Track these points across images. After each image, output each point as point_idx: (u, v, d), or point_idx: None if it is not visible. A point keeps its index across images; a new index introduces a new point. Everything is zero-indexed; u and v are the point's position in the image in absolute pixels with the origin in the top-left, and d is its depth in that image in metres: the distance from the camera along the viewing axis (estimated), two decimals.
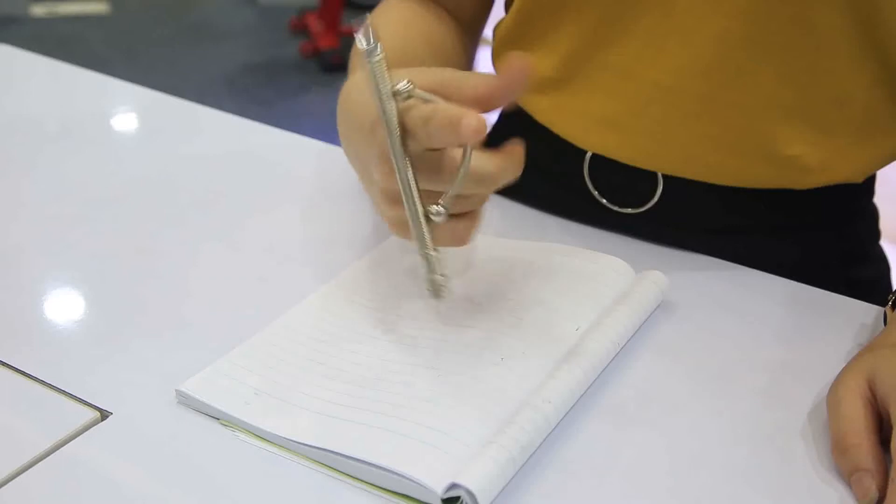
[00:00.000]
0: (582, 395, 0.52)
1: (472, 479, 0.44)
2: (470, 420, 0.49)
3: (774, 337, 0.59)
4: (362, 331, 0.56)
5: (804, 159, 0.63)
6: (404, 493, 0.46)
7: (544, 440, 0.49)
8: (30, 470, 0.46)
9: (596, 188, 0.70)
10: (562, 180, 0.71)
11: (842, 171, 0.65)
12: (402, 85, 0.48)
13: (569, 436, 0.50)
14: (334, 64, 3.31)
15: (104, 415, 0.50)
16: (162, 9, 4.01)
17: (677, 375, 0.55)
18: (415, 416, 0.49)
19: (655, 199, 0.67)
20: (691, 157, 0.65)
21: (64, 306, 0.60)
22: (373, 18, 0.71)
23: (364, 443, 0.47)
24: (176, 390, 0.51)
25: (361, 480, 0.47)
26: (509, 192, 0.75)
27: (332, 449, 0.47)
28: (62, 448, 0.48)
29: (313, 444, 0.47)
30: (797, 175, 0.64)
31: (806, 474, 0.48)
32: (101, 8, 3.96)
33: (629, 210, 0.69)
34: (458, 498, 0.44)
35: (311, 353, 0.54)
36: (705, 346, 0.58)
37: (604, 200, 0.70)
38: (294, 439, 0.48)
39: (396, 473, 0.45)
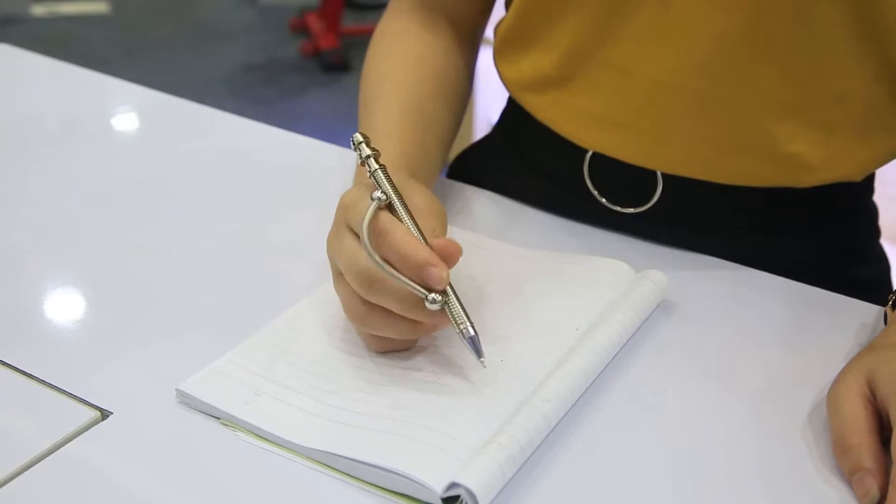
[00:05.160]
0: (582, 395, 0.53)
1: (472, 479, 0.44)
2: (469, 420, 0.49)
3: (774, 337, 0.59)
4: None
5: (804, 157, 0.63)
6: (404, 492, 0.46)
7: (544, 440, 0.49)
8: (30, 469, 0.46)
9: (596, 188, 0.70)
10: (562, 180, 0.71)
11: (842, 169, 0.65)
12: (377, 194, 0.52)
13: (569, 435, 0.50)
14: (334, 64, 3.30)
15: (105, 414, 0.50)
16: (162, 8, 4.01)
17: (677, 375, 0.55)
18: (414, 417, 0.49)
19: (655, 198, 0.67)
20: (691, 155, 0.65)
21: (64, 306, 0.60)
22: (377, 55, 0.71)
23: (363, 443, 0.47)
24: (176, 389, 0.51)
25: (361, 480, 0.47)
26: (509, 191, 0.75)
27: (331, 451, 0.47)
28: (62, 448, 0.48)
29: (313, 447, 0.48)
30: (797, 173, 0.64)
31: (806, 474, 0.48)
32: (101, 8, 3.96)
33: (630, 210, 0.69)
34: (457, 497, 0.44)
35: (310, 354, 0.54)
36: (705, 346, 0.58)
37: (603, 200, 0.70)
38: (294, 441, 0.48)
39: (396, 473, 0.45)
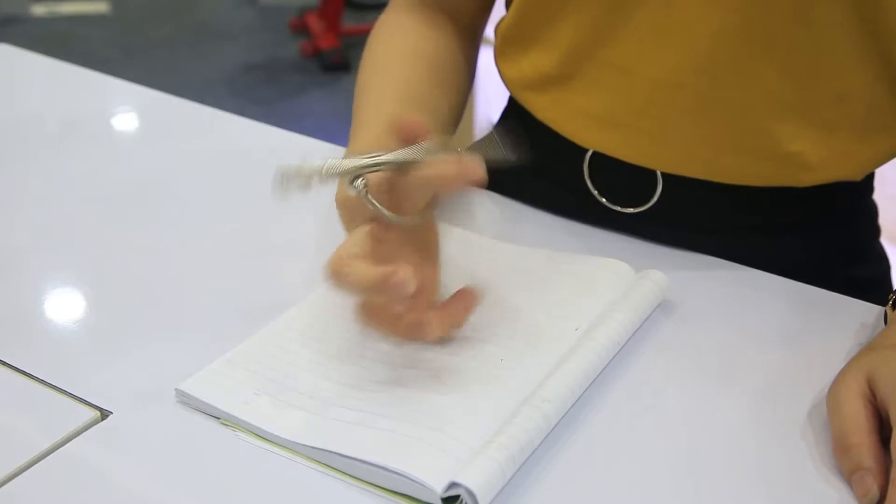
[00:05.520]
0: (582, 395, 0.53)
1: (472, 478, 0.44)
2: (469, 420, 0.49)
3: (774, 337, 0.59)
4: (362, 331, 0.56)
5: (805, 156, 0.63)
6: (404, 492, 0.46)
7: (544, 439, 0.49)
8: (30, 469, 0.46)
9: (596, 188, 0.70)
10: (562, 180, 0.71)
11: (842, 169, 0.65)
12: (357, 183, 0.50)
13: (569, 435, 0.50)
14: (334, 64, 3.30)
15: (104, 414, 0.50)
16: (162, 8, 4.01)
17: (677, 375, 0.55)
18: (414, 417, 0.49)
19: (655, 198, 0.67)
20: (691, 155, 0.65)
21: (64, 306, 0.60)
22: (374, 49, 0.70)
23: (363, 443, 0.47)
24: (176, 389, 0.51)
25: (361, 480, 0.47)
26: (509, 191, 0.75)
27: (331, 449, 0.47)
28: (62, 447, 0.48)
29: (313, 445, 0.48)
30: (797, 172, 0.64)
31: (806, 474, 0.48)
32: (101, 7, 3.96)
33: (630, 210, 0.69)
34: (457, 497, 0.44)
35: (309, 354, 0.54)
36: (705, 346, 0.58)
37: (603, 200, 0.70)
38: (293, 440, 0.48)
39: (396, 472, 0.45)
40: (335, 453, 0.47)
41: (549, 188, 0.73)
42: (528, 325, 0.57)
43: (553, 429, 0.50)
